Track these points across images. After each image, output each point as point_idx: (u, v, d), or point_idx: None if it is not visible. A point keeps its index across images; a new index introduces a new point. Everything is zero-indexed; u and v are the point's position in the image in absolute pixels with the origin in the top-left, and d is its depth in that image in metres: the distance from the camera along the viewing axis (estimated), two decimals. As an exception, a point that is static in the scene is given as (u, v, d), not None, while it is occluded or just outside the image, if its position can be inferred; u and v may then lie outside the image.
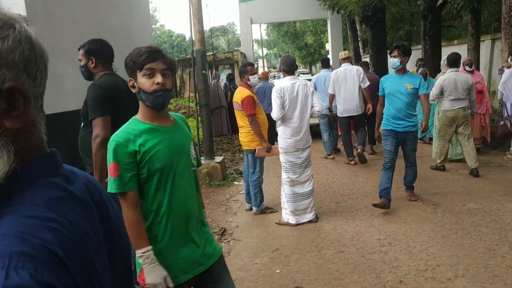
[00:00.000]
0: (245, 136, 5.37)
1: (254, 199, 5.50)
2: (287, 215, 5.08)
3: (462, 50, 11.53)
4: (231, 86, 12.43)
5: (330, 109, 7.96)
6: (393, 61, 5.43)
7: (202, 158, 7.34)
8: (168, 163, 2.00)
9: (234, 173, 7.73)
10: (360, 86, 7.63)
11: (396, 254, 4.00)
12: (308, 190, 5.07)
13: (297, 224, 5.01)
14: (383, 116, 5.46)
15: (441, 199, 5.54)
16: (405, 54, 5.41)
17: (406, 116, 5.28)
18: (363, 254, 4.06)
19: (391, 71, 6.04)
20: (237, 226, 5.11)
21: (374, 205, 5.15)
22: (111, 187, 1.94)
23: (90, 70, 3.16)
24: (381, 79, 5.72)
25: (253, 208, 5.56)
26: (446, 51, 12.60)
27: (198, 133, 7.61)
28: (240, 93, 5.28)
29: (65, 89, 5.74)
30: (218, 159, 7.33)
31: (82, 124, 3.16)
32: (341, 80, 7.69)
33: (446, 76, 6.60)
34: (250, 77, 5.37)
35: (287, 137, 4.98)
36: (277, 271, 3.88)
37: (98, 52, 3.14)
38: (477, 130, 7.64)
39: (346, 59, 7.92)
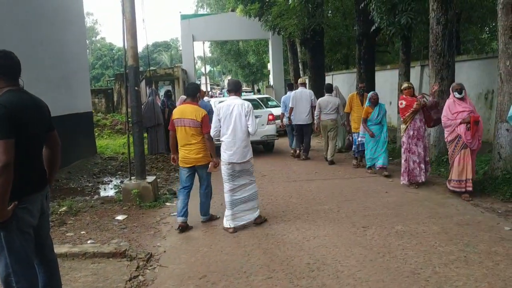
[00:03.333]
0: (197, 152, 5.56)
1: (207, 208, 5.88)
2: (227, 221, 5.48)
3: (394, 74, 12.03)
4: (168, 103, 12.17)
5: (289, 118, 10.53)
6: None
7: (133, 178, 7.04)
8: None
9: (167, 193, 7.47)
10: (311, 105, 10.25)
11: (324, 279, 3.95)
12: (246, 195, 5.53)
13: (235, 230, 5.41)
14: None
15: (370, 221, 5.61)
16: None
17: None
18: (291, 280, 3.97)
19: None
20: (164, 251, 4.87)
21: None
22: None
23: None
24: None
25: (202, 217, 5.89)
26: (379, 76, 13.14)
27: (129, 151, 7.30)
28: (198, 111, 5.52)
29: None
30: (150, 179, 7.04)
31: None
32: (298, 98, 10.31)
33: (323, 98, 9.96)
34: (201, 97, 5.97)
35: (223, 150, 5.48)
36: (202, 300, 3.70)
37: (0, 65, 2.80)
38: (468, 168, 6.37)
39: (303, 84, 10.84)
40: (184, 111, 5.59)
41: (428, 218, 5.60)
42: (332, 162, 9.73)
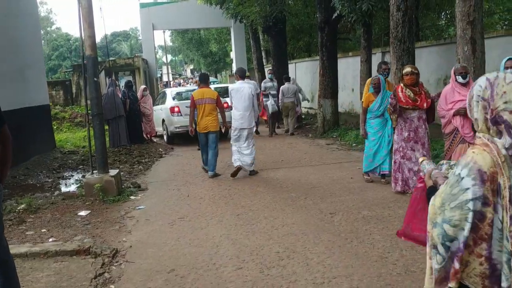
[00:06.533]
0: (212, 122, 7.75)
1: (214, 165, 7.77)
2: (234, 163, 7.71)
3: (356, 61, 12.16)
4: (129, 94, 11.86)
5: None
6: None
7: (95, 172, 6.82)
8: None
9: (132, 186, 7.29)
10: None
11: (294, 268, 3.94)
12: (249, 152, 7.64)
13: (239, 168, 7.65)
14: None
15: (337, 207, 5.66)
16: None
17: None
18: (262, 270, 3.95)
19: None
20: (130, 246, 4.74)
21: None
22: None
23: None
24: None
25: (210, 172, 7.74)
26: (341, 63, 13.25)
27: (90, 144, 7.07)
28: (213, 92, 7.87)
29: None
30: (113, 172, 6.85)
31: None
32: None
33: (284, 86, 12.79)
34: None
35: (235, 119, 7.68)
36: (172, 294, 3.62)
37: None
38: None
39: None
40: (203, 92, 7.76)
41: (393, 202, 5.70)
42: (292, 134, 12.67)
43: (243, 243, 4.62)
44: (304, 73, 17.74)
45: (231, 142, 7.80)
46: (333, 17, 10.89)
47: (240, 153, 7.65)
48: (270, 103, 12.71)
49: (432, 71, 9.93)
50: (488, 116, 1.69)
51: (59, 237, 5.03)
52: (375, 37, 15.39)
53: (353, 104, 13.51)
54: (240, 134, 7.63)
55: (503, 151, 1.64)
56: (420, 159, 2.30)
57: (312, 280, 3.68)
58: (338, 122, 12.44)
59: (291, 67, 17.87)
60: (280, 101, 12.60)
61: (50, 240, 4.94)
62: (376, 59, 11.76)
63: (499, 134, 1.68)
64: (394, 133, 6.24)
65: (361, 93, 9.41)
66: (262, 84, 13.56)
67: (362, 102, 7.05)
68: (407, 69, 5.93)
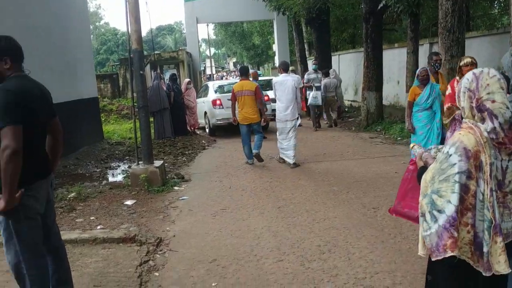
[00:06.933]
0: (253, 114, 8.12)
1: (259, 146, 8.18)
2: (280, 157, 8.24)
3: (402, 53, 11.84)
4: (174, 87, 12.09)
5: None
6: None
7: (140, 162, 7.01)
8: None
9: (175, 177, 7.45)
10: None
11: (336, 262, 3.91)
12: (291, 144, 7.88)
13: (282, 160, 8.18)
14: None
15: (381, 201, 5.56)
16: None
17: None
18: (303, 263, 3.94)
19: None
20: (174, 236, 4.85)
21: None
22: None
23: (1, 72, 2.70)
24: None
25: (254, 151, 8.14)
26: (387, 54, 12.92)
27: (136, 136, 7.26)
28: (252, 84, 8.24)
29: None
30: (158, 163, 7.01)
31: None
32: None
33: (325, 80, 12.76)
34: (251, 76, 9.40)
35: (279, 112, 8.00)
36: (213, 284, 3.68)
37: (13, 50, 2.70)
38: None
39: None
40: (243, 85, 8.14)
41: (439, 198, 5.51)
42: (336, 125, 12.83)
43: (284, 236, 4.62)
44: (347, 65, 17.46)
45: (277, 134, 8.20)
46: (379, 7, 10.62)
47: (282, 150, 8.11)
48: (312, 95, 12.47)
49: (483, 62, 9.49)
50: (474, 105, 2.01)
51: (106, 225, 5.22)
52: (423, 28, 14.91)
53: (398, 97, 13.18)
54: (285, 126, 7.92)
55: (485, 134, 1.97)
56: (411, 145, 2.68)
57: (353, 275, 3.64)
58: (382, 115, 12.17)
59: (334, 59, 17.62)
60: (322, 95, 12.52)
61: (98, 227, 5.14)
62: (423, 50, 11.40)
63: (482, 120, 2.00)
64: (444, 127, 5.84)
65: (407, 86, 9.18)
66: (306, 76, 13.39)
67: (408, 95, 6.81)
68: (467, 59, 5.36)
